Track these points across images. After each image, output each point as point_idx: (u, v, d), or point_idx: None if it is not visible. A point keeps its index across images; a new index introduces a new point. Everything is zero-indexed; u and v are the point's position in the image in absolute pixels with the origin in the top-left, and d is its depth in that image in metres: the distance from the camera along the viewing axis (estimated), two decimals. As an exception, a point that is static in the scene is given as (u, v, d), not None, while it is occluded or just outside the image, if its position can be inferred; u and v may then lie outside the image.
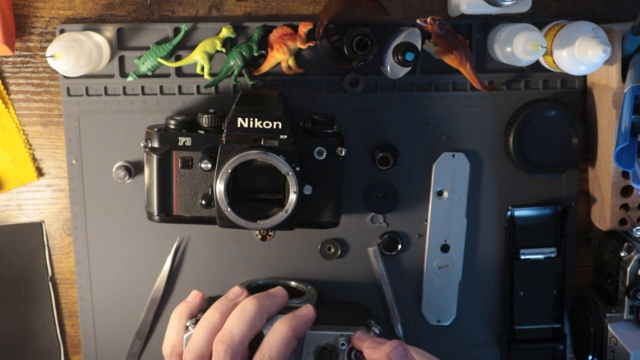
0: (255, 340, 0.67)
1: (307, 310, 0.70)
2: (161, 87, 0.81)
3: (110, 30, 0.80)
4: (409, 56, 0.73)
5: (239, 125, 0.72)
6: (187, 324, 0.71)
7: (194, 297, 0.74)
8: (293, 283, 0.83)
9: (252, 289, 0.82)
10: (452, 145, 0.84)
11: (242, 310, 0.67)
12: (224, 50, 0.79)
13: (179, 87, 0.81)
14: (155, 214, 0.76)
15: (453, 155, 0.83)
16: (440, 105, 0.83)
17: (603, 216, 0.82)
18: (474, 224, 0.85)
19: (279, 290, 0.71)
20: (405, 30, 0.77)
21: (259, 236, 0.83)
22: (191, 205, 0.76)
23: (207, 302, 0.74)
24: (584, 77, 0.83)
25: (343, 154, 0.75)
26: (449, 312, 0.86)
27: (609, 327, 0.81)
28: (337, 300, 0.85)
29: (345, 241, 0.85)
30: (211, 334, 0.67)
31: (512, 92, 0.83)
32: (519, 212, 0.84)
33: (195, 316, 0.72)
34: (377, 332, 0.73)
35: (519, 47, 0.73)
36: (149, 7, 0.80)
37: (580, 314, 0.85)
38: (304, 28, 0.78)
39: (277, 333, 0.66)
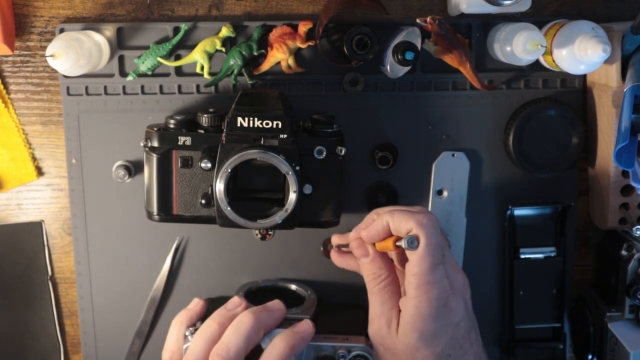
0: (253, 354, 0.68)
1: (305, 327, 0.70)
2: (161, 87, 0.81)
3: (110, 30, 0.80)
4: (409, 55, 0.73)
5: (238, 124, 0.72)
6: (187, 333, 0.71)
7: (194, 305, 0.74)
8: (293, 286, 0.83)
9: (252, 291, 0.82)
10: (451, 144, 0.83)
11: (239, 325, 0.67)
12: (223, 49, 0.79)
13: (179, 87, 0.81)
14: (155, 214, 0.76)
15: (453, 155, 0.83)
16: (440, 104, 0.83)
17: (603, 215, 0.82)
18: (473, 223, 0.85)
19: (276, 304, 0.72)
20: (405, 29, 0.77)
21: (259, 236, 0.83)
22: (191, 205, 0.76)
23: (209, 304, 0.75)
24: (584, 77, 0.83)
25: (343, 153, 0.75)
26: (448, 312, 0.86)
27: (609, 327, 0.81)
28: (336, 302, 0.84)
29: (345, 240, 0.85)
30: (209, 344, 0.68)
31: (512, 91, 0.83)
32: (518, 212, 0.84)
33: (194, 324, 0.72)
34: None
35: (519, 46, 0.73)
36: (148, 7, 0.80)
37: (580, 314, 0.85)
38: (303, 27, 0.78)
39: (276, 350, 0.67)
